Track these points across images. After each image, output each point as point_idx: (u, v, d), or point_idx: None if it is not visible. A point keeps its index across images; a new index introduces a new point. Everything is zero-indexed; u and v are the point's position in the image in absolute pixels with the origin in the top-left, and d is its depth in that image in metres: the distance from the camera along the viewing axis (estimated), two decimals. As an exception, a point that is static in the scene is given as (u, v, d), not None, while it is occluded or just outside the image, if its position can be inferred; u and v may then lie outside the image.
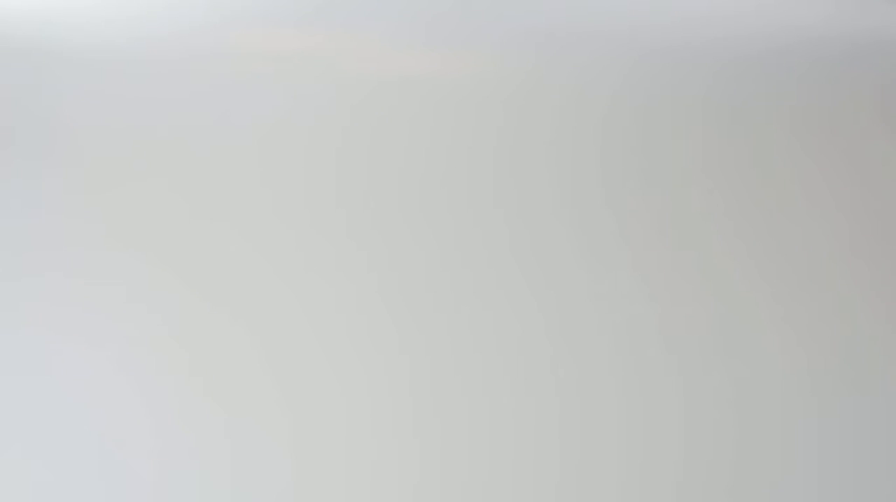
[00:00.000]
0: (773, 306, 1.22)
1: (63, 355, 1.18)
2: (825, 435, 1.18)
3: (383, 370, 1.19)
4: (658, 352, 1.20)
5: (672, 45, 1.31)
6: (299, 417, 1.17)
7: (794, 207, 1.27)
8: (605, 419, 1.18)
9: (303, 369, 1.19)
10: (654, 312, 1.21)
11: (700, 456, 1.18)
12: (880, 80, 1.31)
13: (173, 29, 1.29)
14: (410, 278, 1.22)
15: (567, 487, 1.17)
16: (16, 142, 1.25)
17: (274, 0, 1.30)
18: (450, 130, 1.27)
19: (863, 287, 1.24)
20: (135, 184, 1.24)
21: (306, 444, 1.16)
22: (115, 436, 1.16)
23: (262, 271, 1.22)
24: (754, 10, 1.32)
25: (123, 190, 1.24)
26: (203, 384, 1.18)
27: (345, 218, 1.24)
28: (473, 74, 1.29)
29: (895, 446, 1.18)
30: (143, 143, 1.26)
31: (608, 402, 1.19)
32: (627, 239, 1.23)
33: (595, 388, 1.19)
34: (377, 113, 1.28)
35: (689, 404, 1.19)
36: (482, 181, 1.25)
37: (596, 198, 1.25)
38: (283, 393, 1.18)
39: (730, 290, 1.22)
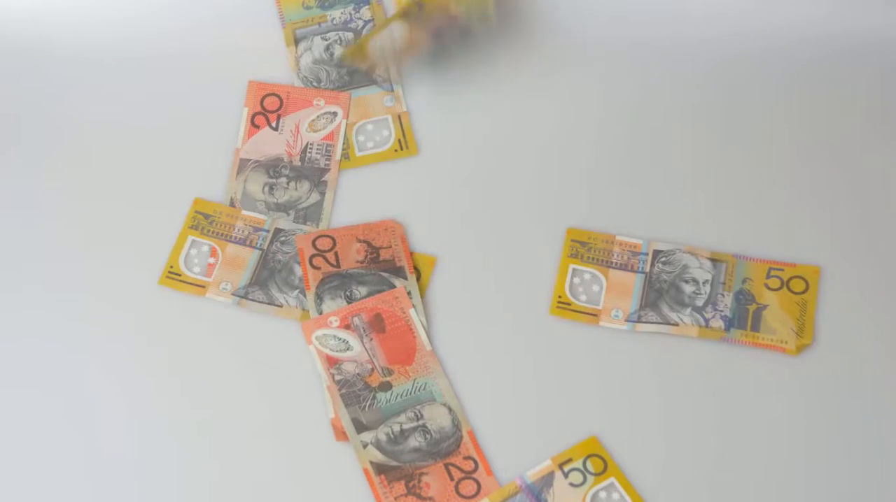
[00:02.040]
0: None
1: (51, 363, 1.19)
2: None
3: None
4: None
5: (671, 44, 1.31)
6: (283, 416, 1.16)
7: (792, 206, 1.26)
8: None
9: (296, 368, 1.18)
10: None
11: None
12: (880, 80, 1.30)
13: (173, 28, 1.30)
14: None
15: None
16: (16, 144, 1.26)
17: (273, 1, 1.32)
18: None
19: (859, 284, 1.22)
20: (135, 185, 1.25)
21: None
22: (98, 439, 1.16)
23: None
24: (754, 10, 1.31)
25: (123, 192, 1.25)
26: (191, 388, 1.18)
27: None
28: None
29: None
30: (143, 143, 1.27)
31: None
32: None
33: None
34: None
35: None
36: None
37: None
38: (272, 394, 1.17)
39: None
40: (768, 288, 1.21)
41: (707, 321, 1.20)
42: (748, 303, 1.21)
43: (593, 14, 1.31)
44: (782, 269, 1.22)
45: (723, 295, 1.21)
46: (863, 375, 1.18)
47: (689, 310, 1.20)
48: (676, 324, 1.20)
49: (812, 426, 1.17)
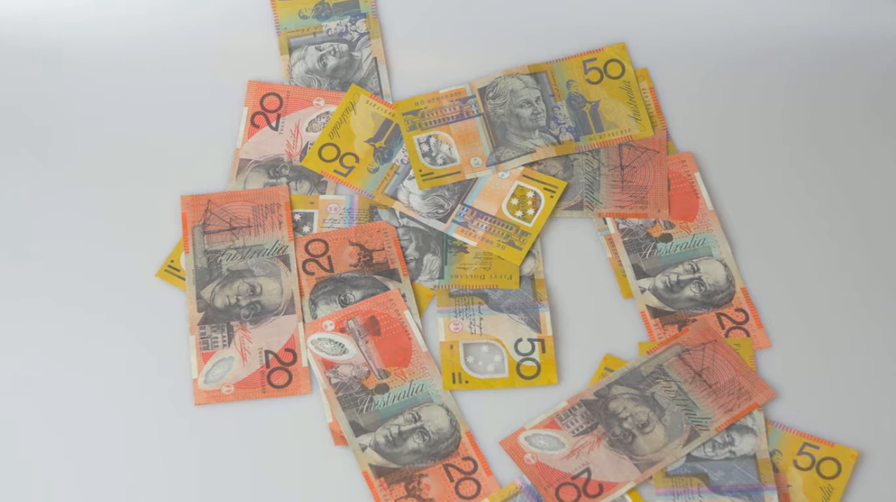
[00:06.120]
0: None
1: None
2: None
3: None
4: None
5: (671, 43, 1.30)
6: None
7: (790, 205, 1.25)
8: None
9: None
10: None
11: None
12: (878, 80, 1.29)
13: (173, 28, 1.30)
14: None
15: None
16: (16, 144, 1.27)
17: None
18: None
19: (856, 283, 1.22)
20: (134, 185, 1.25)
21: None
22: (90, 447, 1.17)
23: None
24: (753, 9, 1.30)
25: (121, 192, 1.25)
26: (186, 392, 1.18)
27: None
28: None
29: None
30: (142, 143, 1.27)
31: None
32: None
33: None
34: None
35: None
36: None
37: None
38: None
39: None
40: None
41: (557, 137, 1.23)
42: (581, 105, 1.24)
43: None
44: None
45: (557, 106, 1.24)
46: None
47: (536, 132, 1.24)
48: (533, 151, 1.23)
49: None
